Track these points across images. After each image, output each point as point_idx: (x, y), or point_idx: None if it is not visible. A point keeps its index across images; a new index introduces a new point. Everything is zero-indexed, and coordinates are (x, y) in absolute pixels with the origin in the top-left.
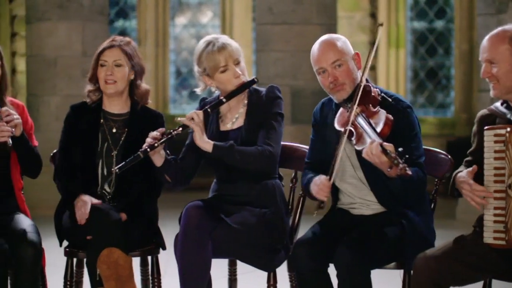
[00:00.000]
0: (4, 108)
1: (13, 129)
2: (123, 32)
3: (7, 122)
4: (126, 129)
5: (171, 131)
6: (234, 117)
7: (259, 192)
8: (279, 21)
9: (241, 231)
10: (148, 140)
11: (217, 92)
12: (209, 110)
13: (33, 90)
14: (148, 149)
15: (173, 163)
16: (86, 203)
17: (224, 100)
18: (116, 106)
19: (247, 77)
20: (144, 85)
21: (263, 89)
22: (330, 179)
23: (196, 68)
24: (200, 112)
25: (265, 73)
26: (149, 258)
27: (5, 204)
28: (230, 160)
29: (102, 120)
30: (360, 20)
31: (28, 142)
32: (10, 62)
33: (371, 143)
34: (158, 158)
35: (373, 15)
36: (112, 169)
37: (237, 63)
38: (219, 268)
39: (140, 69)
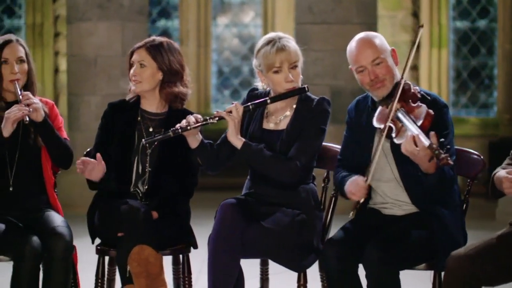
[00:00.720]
0: (25, 93)
1: (31, 109)
2: (165, 32)
3: (26, 105)
4: (162, 129)
5: (208, 118)
6: (279, 118)
7: (292, 197)
8: (319, 20)
9: (273, 231)
10: (183, 121)
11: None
12: (251, 107)
13: (73, 89)
14: (180, 130)
15: (208, 147)
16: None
17: (268, 101)
18: (152, 105)
19: (299, 84)
20: (176, 88)
21: (314, 98)
22: (366, 180)
23: (254, 61)
24: (241, 108)
25: (304, 72)
26: (181, 256)
27: (37, 201)
28: (255, 163)
29: (139, 118)
30: (402, 20)
31: (53, 130)
32: (53, 62)
33: (411, 137)
34: (193, 141)
35: (415, 14)
36: (142, 140)
37: (293, 67)
38: (251, 267)
39: (169, 70)
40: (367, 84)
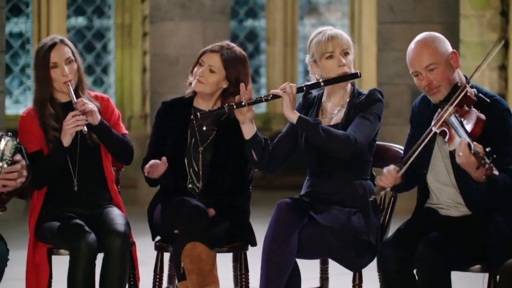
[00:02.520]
0: (79, 99)
1: (87, 118)
2: (252, 32)
3: (82, 112)
4: (216, 128)
5: (262, 96)
6: (333, 113)
7: (350, 192)
8: (399, 19)
9: (329, 229)
10: (237, 97)
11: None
12: (304, 88)
13: (155, 88)
14: (234, 106)
15: (262, 141)
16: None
17: (322, 83)
18: (206, 103)
19: (352, 71)
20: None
21: (366, 92)
22: (399, 171)
23: (307, 58)
24: (294, 86)
25: (385, 72)
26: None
27: (98, 197)
28: (314, 136)
29: (192, 117)
30: (491, 19)
31: (110, 130)
32: (141, 61)
33: (460, 143)
34: (248, 130)
35: (504, 13)
36: (197, 113)
37: (345, 54)
38: (311, 266)
39: (236, 81)
40: (422, 88)
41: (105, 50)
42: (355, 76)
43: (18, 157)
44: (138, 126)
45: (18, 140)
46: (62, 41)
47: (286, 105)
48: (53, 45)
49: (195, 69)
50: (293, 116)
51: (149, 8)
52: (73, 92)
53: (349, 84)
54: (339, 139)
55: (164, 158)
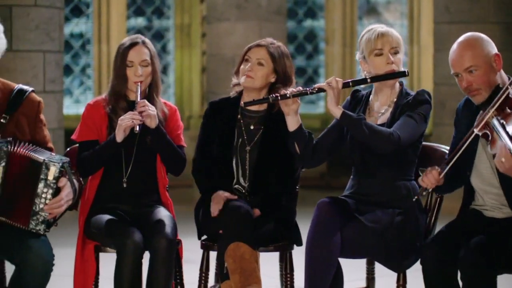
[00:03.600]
0: (141, 100)
1: (142, 118)
2: (311, 32)
3: (140, 112)
4: (263, 127)
5: (307, 88)
6: (380, 112)
7: (393, 193)
8: (456, 20)
9: (373, 230)
10: (283, 90)
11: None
12: (351, 83)
13: (212, 88)
14: (279, 97)
15: (306, 135)
16: (220, 197)
17: (368, 80)
18: None
19: (400, 70)
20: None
21: (414, 93)
22: (440, 173)
23: (357, 54)
24: (340, 80)
25: (442, 72)
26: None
27: (148, 198)
28: (357, 131)
29: (239, 116)
30: None
31: (165, 138)
32: (200, 62)
33: (501, 148)
34: (293, 122)
35: None
36: (242, 102)
37: (394, 52)
38: (358, 266)
39: (283, 74)
40: (463, 90)
41: (164, 51)
42: (402, 74)
43: (62, 181)
44: (197, 125)
45: (62, 163)
46: (143, 42)
47: (330, 100)
48: (134, 44)
49: (242, 66)
50: (337, 111)
51: (206, 9)
52: (139, 93)
53: (397, 84)
54: (382, 135)
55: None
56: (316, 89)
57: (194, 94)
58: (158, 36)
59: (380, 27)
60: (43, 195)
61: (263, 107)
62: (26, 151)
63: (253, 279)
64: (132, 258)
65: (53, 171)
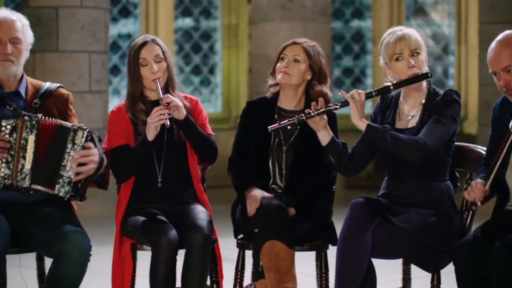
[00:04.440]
0: (164, 95)
1: (170, 112)
2: (358, 32)
3: (167, 107)
4: (299, 127)
5: (331, 104)
6: (410, 115)
7: (427, 195)
8: (501, 19)
9: (405, 230)
10: (307, 110)
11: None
12: (374, 93)
13: (257, 88)
14: (304, 117)
15: (340, 146)
16: (256, 196)
17: (391, 87)
18: (291, 102)
19: (423, 71)
20: (323, 88)
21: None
22: (486, 184)
23: (380, 60)
24: (363, 92)
25: (488, 73)
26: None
27: (183, 194)
28: (382, 143)
29: (276, 116)
30: None
31: (195, 127)
32: (247, 62)
33: None
34: (324, 136)
35: None
36: (268, 127)
37: (414, 54)
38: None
39: (319, 71)
40: (500, 88)
41: (212, 51)
42: (425, 77)
43: (89, 144)
44: None
45: (89, 129)
46: (153, 40)
47: (353, 113)
48: (144, 43)
49: (278, 65)
50: (361, 124)
51: (251, 9)
52: (160, 90)
53: (425, 84)
54: (408, 145)
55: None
56: (340, 104)
57: (241, 94)
58: (206, 37)
59: (398, 30)
60: (70, 158)
61: (299, 107)
62: (57, 121)
63: (288, 277)
64: (167, 255)
65: (80, 135)
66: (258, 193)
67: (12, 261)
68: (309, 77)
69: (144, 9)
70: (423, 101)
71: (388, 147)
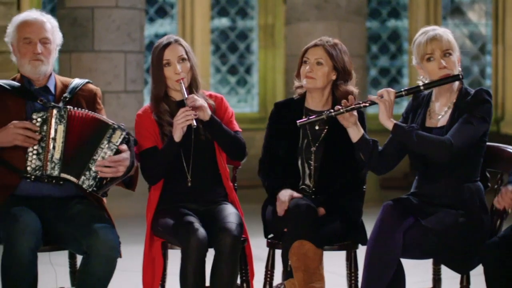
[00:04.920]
0: (189, 95)
1: (196, 113)
2: (394, 32)
3: (192, 108)
4: (327, 127)
5: (360, 102)
6: (440, 114)
7: (457, 195)
8: None
9: (435, 231)
10: (337, 106)
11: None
12: (404, 93)
13: (292, 88)
14: (333, 113)
15: (370, 143)
16: (286, 197)
17: (422, 87)
18: (318, 103)
19: (455, 72)
20: (349, 87)
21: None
22: None
23: (413, 60)
24: (392, 92)
25: None
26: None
27: (212, 193)
28: (409, 142)
29: (303, 117)
30: None
31: (220, 126)
32: (284, 62)
33: None
34: (354, 133)
35: None
36: (297, 121)
37: (446, 55)
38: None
39: (343, 70)
40: None
41: (248, 51)
42: (456, 78)
43: (123, 147)
44: None
45: (127, 131)
46: (176, 41)
47: (381, 112)
48: (168, 44)
49: (302, 68)
50: (389, 124)
51: (286, 9)
52: (185, 90)
53: (457, 83)
54: (434, 144)
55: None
56: (369, 101)
57: (278, 94)
58: (242, 37)
59: (431, 30)
60: (102, 154)
61: (327, 107)
62: (91, 113)
63: (317, 277)
64: (196, 255)
65: (118, 135)
66: (287, 194)
67: (45, 258)
68: (334, 77)
69: (180, 9)
70: (454, 101)
71: (415, 146)
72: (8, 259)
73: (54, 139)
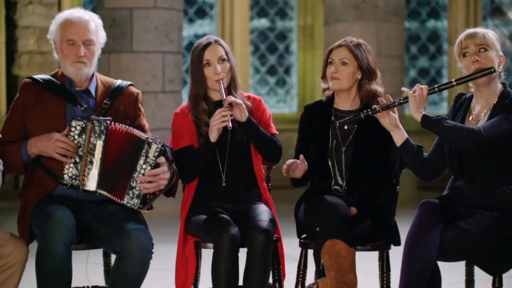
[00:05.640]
0: (227, 97)
1: (232, 114)
2: (434, 33)
3: (229, 109)
4: (356, 127)
5: (396, 100)
6: (480, 115)
7: (491, 197)
8: None
9: (471, 232)
10: (374, 105)
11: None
12: (436, 89)
13: None
14: (370, 112)
15: (414, 148)
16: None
17: (454, 83)
18: (346, 103)
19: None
20: (373, 86)
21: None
22: None
23: (458, 63)
24: (425, 87)
25: None
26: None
27: (247, 193)
28: (439, 131)
29: (333, 118)
30: None
31: (257, 128)
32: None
33: None
34: (398, 137)
35: None
36: (336, 121)
37: (481, 50)
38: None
39: (368, 69)
40: None
41: (287, 51)
42: (488, 71)
43: (161, 159)
44: None
45: (163, 143)
46: (216, 41)
47: (411, 105)
48: (208, 44)
49: (327, 70)
50: (418, 115)
51: (324, 10)
52: (223, 90)
53: (499, 85)
54: (462, 132)
55: (301, 157)
56: (403, 98)
57: (317, 94)
58: (281, 37)
59: (472, 29)
60: (141, 171)
61: (355, 106)
62: (128, 128)
63: (349, 276)
64: (228, 252)
65: (154, 149)
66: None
67: (81, 256)
68: (359, 77)
69: (220, 10)
70: (494, 102)
71: (444, 133)
72: (43, 255)
73: (93, 154)
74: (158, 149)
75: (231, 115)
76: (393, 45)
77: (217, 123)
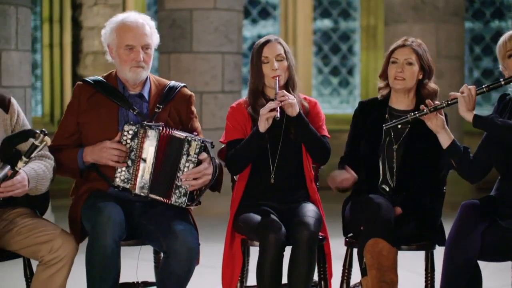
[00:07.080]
0: (280, 91)
1: (287, 109)
2: (498, 33)
3: (281, 102)
4: (409, 125)
5: (443, 101)
6: None
7: None
8: None
9: (511, 232)
10: (422, 106)
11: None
12: (485, 89)
13: None
14: (417, 114)
15: (461, 149)
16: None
17: (502, 82)
18: (402, 102)
19: None
20: (432, 85)
21: None
22: None
23: (500, 66)
24: (473, 87)
25: None
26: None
27: (295, 194)
28: (492, 130)
29: (387, 116)
30: None
31: (307, 126)
32: None
33: None
34: (444, 139)
35: None
36: (384, 125)
37: None
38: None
39: (429, 70)
40: None
41: (350, 52)
42: None
43: (203, 156)
44: None
45: (202, 139)
46: (276, 40)
47: (460, 105)
48: (267, 41)
49: (389, 68)
50: (469, 116)
51: (383, 10)
52: (278, 87)
53: None
54: None
55: (348, 169)
56: (450, 100)
57: (371, 95)
58: (344, 38)
59: None
60: (185, 170)
61: (411, 106)
62: (170, 130)
63: (390, 275)
64: (274, 251)
65: (194, 146)
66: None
67: (132, 253)
68: (420, 77)
69: (283, 11)
70: None
71: (497, 132)
72: (93, 249)
73: (145, 160)
74: (198, 146)
75: (280, 107)
76: (452, 46)
77: (266, 112)
